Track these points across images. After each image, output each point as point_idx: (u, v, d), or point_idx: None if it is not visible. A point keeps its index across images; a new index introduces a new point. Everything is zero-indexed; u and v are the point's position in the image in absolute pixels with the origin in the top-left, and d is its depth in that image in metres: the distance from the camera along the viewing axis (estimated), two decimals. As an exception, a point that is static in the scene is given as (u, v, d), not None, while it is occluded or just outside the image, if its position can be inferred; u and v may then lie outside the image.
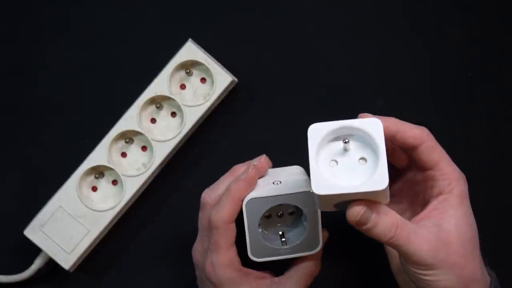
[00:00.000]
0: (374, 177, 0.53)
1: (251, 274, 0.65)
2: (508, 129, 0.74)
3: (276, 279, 0.66)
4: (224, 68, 0.71)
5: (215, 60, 0.71)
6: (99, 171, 0.72)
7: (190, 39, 0.71)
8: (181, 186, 0.74)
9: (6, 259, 0.74)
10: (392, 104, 0.73)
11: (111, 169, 0.71)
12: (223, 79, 0.71)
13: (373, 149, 0.55)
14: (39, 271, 0.72)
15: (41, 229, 0.71)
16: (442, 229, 0.57)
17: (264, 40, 0.74)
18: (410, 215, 0.64)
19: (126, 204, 0.71)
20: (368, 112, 0.59)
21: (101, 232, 0.71)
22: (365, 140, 0.55)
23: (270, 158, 0.68)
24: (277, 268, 0.67)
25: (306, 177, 0.66)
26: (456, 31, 0.74)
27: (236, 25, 0.74)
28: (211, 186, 0.67)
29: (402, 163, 0.64)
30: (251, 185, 0.64)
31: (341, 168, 0.56)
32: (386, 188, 0.54)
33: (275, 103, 0.74)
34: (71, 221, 0.71)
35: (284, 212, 0.66)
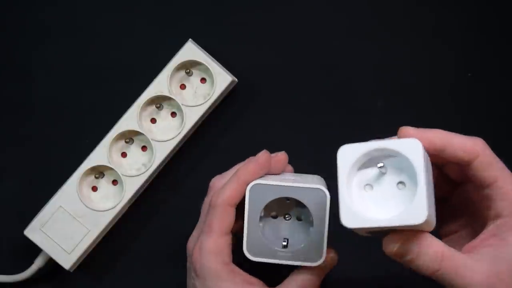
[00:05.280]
0: (411, 209, 0.47)
1: (239, 275, 0.58)
2: (508, 129, 0.73)
3: None
4: (224, 68, 0.71)
5: (215, 60, 0.71)
6: (99, 171, 0.72)
7: (190, 39, 0.71)
8: (181, 186, 0.74)
9: (6, 259, 0.74)
10: (392, 104, 0.73)
11: (111, 169, 0.71)
12: (223, 79, 0.71)
13: (412, 173, 0.48)
14: (39, 271, 0.72)
15: (41, 229, 0.71)
16: (498, 260, 0.50)
17: (264, 40, 0.74)
18: (469, 232, 0.57)
19: (126, 204, 0.71)
20: (368, 112, 0.56)
21: (101, 232, 0.71)
22: (404, 161, 0.49)
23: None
24: (268, 280, 0.61)
25: (323, 182, 0.61)
26: (456, 31, 0.74)
27: (236, 25, 0.74)
28: (222, 173, 0.63)
29: (458, 174, 0.57)
30: (260, 170, 0.59)
31: (377, 194, 0.50)
32: (426, 220, 0.47)
33: (275, 103, 0.74)
34: (71, 221, 0.71)
35: (292, 216, 0.62)
